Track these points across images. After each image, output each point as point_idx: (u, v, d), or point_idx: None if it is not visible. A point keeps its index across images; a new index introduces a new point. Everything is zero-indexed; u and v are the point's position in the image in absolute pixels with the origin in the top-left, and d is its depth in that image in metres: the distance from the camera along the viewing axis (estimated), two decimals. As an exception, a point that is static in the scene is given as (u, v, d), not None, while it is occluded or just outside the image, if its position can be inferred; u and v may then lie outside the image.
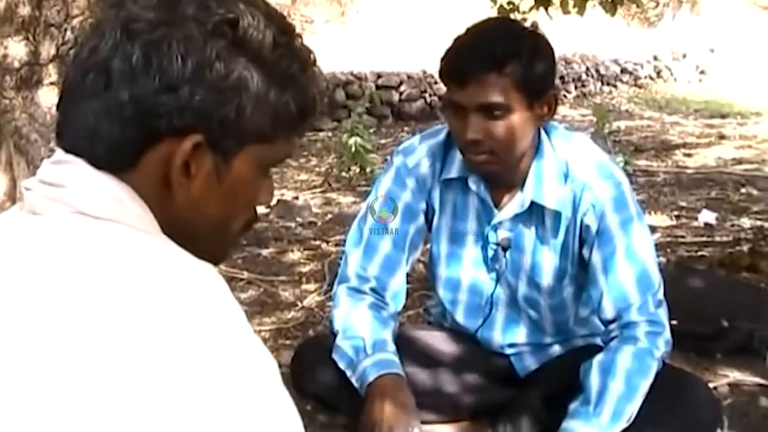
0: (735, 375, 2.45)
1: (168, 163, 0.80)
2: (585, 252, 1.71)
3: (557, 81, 10.84)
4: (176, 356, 0.67)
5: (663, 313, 1.71)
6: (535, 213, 1.72)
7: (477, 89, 1.54)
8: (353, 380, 1.71)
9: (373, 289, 1.80)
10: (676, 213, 4.74)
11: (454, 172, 1.75)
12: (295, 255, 3.97)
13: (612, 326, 1.70)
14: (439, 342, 1.92)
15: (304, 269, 3.70)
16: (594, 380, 1.62)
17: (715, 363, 2.53)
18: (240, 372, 0.70)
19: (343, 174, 5.95)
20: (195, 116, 0.79)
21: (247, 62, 0.80)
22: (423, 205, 1.81)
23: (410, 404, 1.63)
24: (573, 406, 1.63)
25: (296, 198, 5.35)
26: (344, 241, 4.07)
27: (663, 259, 3.37)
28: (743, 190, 5.39)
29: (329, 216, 4.81)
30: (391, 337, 1.75)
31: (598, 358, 1.66)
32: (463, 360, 1.88)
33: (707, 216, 4.50)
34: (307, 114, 0.88)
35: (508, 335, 1.87)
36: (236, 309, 0.74)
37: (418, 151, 1.80)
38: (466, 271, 1.83)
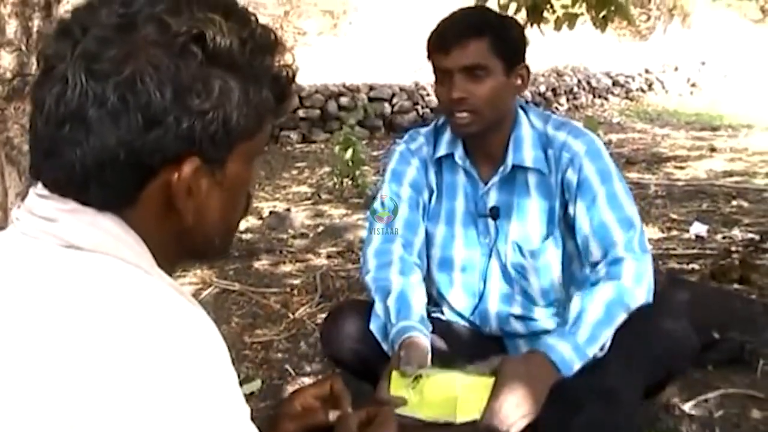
0: (726, 386, 2.45)
1: (168, 190, 0.79)
2: (570, 209, 1.84)
3: (549, 93, 10.98)
4: (146, 387, 0.68)
5: (649, 259, 1.78)
6: (518, 179, 1.88)
7: (460, 53, 1.76)
8: (387, 350, 1.75)
9: (402, 244, 1.88)
10: (667, 225, 4.76)
11: (442, 149, 1.94)
12: (286, 267, 3.96)
13: (599, 267, 1.78)
14: (433, 338, 1.93)
15: (296, 281, 3.70)
16: (574, 306, 1.70)
17: (706, 374, 2.53)
18: (209, 412, 0.71)
19: (335, 186, 5.95)
20: (186, 142, 0.78)
21: (222, 73, 0.79)
22: (425, 182, 1.97)
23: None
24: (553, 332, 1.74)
25: (288, 210, 5.35)
26: (336, 252, 4.11)
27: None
28: (734, 203, 5.41)
29: (321, 228, 4.80)
30: (421, 295, 1.80)
31: (582, 290, 1.75)
32: (457, 349, 1.89)
33: (698, 228, 4.51)
34: (286, 96, 0.88)
35: (503, 307, 1.96)
36: (215, 348, 0.75)
37: (418, 138, 2.00)
38: (458, 249, 1.95)
